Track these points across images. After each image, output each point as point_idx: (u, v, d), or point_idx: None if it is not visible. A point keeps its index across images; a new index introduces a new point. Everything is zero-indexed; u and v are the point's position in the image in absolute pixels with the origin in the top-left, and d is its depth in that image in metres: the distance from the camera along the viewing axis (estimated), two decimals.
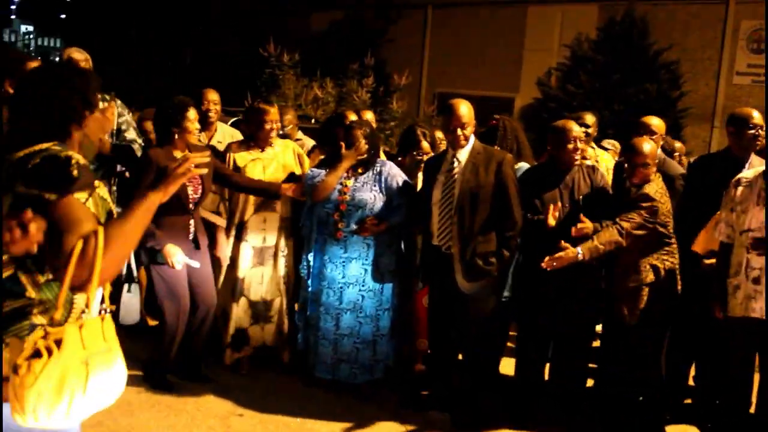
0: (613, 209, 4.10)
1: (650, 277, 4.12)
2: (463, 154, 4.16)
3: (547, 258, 3.86)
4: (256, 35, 13.87)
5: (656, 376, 4.34)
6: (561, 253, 3.87)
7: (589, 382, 4.64)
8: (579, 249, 3.88)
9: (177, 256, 4.19)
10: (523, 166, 4.60)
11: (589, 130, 4.90)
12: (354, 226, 4.38)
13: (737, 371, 4.14)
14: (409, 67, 12.96)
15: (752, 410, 4.22)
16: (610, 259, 4.17)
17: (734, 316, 4.03)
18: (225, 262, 4.71)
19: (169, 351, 4.39)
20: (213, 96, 5.20)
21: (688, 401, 4.78)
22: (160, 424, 3.93)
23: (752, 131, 4.35)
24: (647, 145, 4.14)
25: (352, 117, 5.10)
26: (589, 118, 5.02)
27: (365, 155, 4.43)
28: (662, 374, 4.39)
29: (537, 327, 4.32)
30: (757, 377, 4.16)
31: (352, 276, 4.44)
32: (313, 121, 9.01)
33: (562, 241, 3.92)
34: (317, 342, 4.51)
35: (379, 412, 4.31)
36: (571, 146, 4.20)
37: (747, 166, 4.35)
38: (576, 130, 4.26)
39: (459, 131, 4.10)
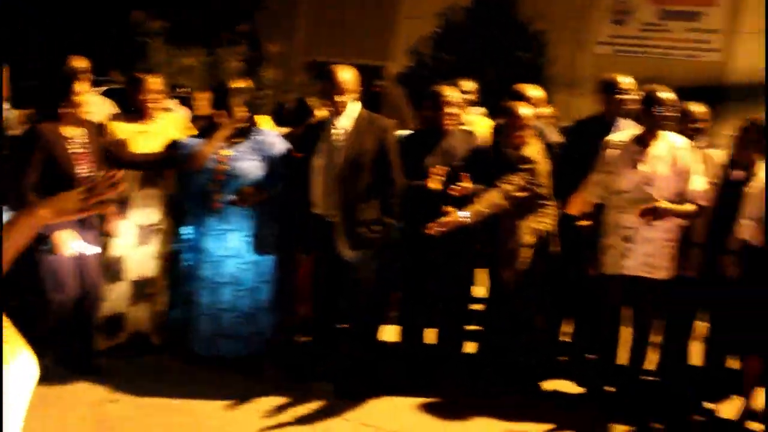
0: (493, 172, 4.16)
1: (530, 239, 4.22)
2: (346, 121, 4.08)
3: (432, 224, 3.86)
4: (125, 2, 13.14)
5: (538, 338, 4.48)
6: (446, 218, 3.89)
7: (473, 346, 4.72)
8: (464, 213, 3.91)
9: (68, 243, 3.89)
10: (404, 132, 4.58)
11: (469, 97, 4.94)
12: (232, 197, 4.22)
13: (608, 325, 4.34)
14: (283, 36, 12.69)
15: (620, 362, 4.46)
16: (491, 223, 4.24)
17: (607, 273, 4.22)
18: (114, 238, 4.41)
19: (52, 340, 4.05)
20: (81, 64, 4.83)
21: (564, 358, 4.98)
22: (29, 416, 3.65)
23: (619, 96, 4.52)
24: (523, 109, 4.21)
25: (234, 85, 4.89)
26: (468, 85, 5.06)
27: (243, 123, 4.26)
28: (544, 335, 4.54)
29: (423, 293, 4.35)
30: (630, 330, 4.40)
31: (231, 248, 4.28)
32: (186, 90, 8.64)
33: (447, 206, 3.95)
34: (196, 318, 4.34)
35: (262, 385, 4.20)
36: (446, 111, 4.22)
37: (614, 129, 4.52)
38: (451, 95, 4.29)
39: (339, 97, 4.02)
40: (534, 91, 4.81)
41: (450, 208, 3.93)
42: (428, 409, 4.11)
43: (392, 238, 4.16)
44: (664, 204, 3.93)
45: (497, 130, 4.64)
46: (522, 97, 4.61)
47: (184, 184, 4.37)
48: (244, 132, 4.30)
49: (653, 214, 3.95)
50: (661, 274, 4.13)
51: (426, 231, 3.81)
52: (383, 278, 4.30)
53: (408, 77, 12.18)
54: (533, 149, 4.21)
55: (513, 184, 4.06)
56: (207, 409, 3.91)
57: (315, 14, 16.39)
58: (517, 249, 4.21)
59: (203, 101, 5.36)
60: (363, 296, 4.19)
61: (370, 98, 4.76)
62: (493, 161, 4.25)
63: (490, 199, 4.00)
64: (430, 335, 4.55)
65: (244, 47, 11.32)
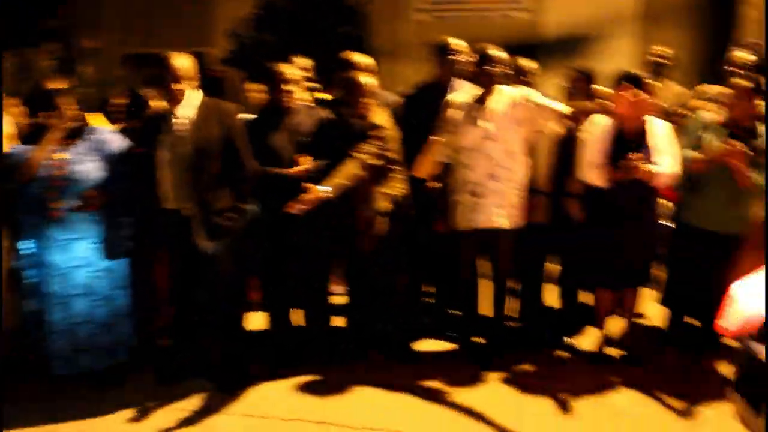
0: (343, 144, 4.19)
1: (385, 205, 4.30)
2: (188, 110, 3.93)
3: (294, 202, 3.83)
4: None
5: (402, 301, 4.59)
6: (307, 195, 3.89)
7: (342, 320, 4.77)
8: (325, 187, 3.92)
9: None
10: (246, 116, 4.49)
11: (306, 74, 4.91)
12: (74, 203, 3.97)
13: (466, 280, 4.53)
14: (94, 29, 11.96)
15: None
16: (345, 192, 4.28)
17: (459, 229, 4.39)
18: None
19: None
20: None
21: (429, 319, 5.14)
22: None
23: (452, 57, 4.68)
24: (364, 77, 4.26)
25: (54, 85, 4.56)
26: (303, 61, 5.03)
27: (74, 123, 4.00)
28: (407, 298, 4.66)
29: (285, 275, 4.33)
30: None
31: (79, 258, 4.03)
32: None
33: (307, 183, 3.93)
34: (49, 337, 4.06)
35: (134, 394, 4.04)
36: (285, 88, 4.21)
37: (450, 90, 4.68)
38: (289, 72, 4.28)
39: (176, 86, 3.87)
40: (365, 59, 4.86)
41: (310, 185, 3.93)
42: (308, 388, 4.12)
43: (249, 223, 4.10)
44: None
45: (338, 102, 4.67)
46: (355, 66, 4.64)
47: (16, 196, 4.04)
48: (78, 132, 4.05)
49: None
50: (511, 224, 4.34)
51: (289, 210, 3.78)
52: (242, 266, 4.22)
53: (231, 61, 11.90)
54: (380, 116, 4.28)
55: (367, 153, 4.11)
56: (88, 428, 3.72)
57: (124, 4, 15.57)
58: (374, 216, 4.27)
59: (13, 107, 4.93)
60: (222, 287, 4.10)
61: (210, 84, 4.63)
62: (342, 133, 4.27)
63: (348, 171, 4.03)
64: (297, 316, 4.56)
65: (56, 45, 10.53)
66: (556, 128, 4.32)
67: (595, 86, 4.91)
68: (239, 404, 3.93)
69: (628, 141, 4.19)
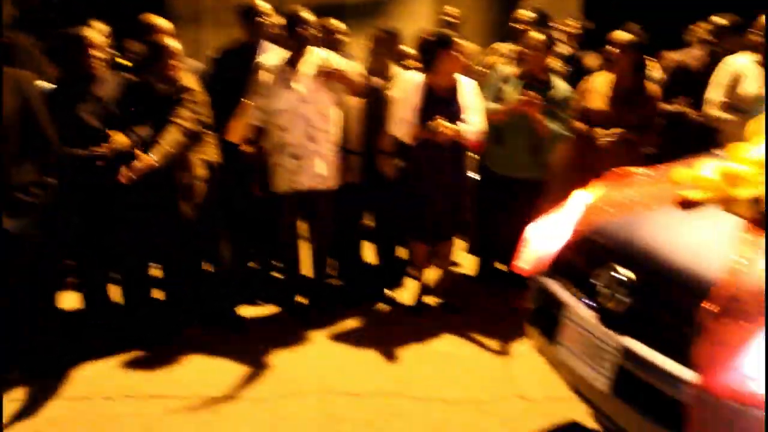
0: (155, 110, 4.02)
1: (201, 171, 4.19)
2: None
3: (122, 172, 3.62)
4: None
5: (225, 268, 4.52)
6: (136, 163, 3.69)
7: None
8: (151, 155, 3.75)
9: None
10: (44, 84, 4.15)
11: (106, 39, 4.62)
12: None
13: (288, 242, 4.54)
14: None
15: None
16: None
17: (279, 191, 4.39)
18: None
19: None
20: None
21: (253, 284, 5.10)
22: None
23: (260, 19, 4.60)
24: (170, 40, 4.10)
25: None
26: (101, 27, 4.73)
27: None
28: (229, 263, 4.59)
29: (101, 251, 4.12)
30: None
31: None
32: None
33: (135, 151, 3.77)
34: None
35: None
36: (91, 53, 3.95)
37: (260, 53, 4.61)
38: (93, 37, 4.02)
39: None
40: (163, 21, 4.64)
41: (140, 152, 3.74)
42: (134, 364, 3.97)
43: (57, 198, 3.83)
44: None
45: (140, 68, 4.45)
46: (157, 29, 4.44)
47: None
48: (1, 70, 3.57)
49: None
50: (330, 184, 4.41)
51: (119, 179, 3.56)
52: (52, 243, 3.94)
53: (18, 26, 10.91)
54: (189, 80, 4.13)
55: (186, 118, 3.96)
56: None
57: None
58: (193, 183, 4.15)
59: None
60: (29, 267, 3.80)
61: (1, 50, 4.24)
62: (152, 99, 4.08)
63: (173, 137, 3.88)
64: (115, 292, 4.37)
65: None
66: (354, 90, 4.38)
67: (401, 46, 5.05)
68: (56, 388, 3.70)
69: (439, 99, 4.36)
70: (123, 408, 3.49)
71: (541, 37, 4.55)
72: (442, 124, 4.21)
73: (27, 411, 3.49)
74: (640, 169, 3.10)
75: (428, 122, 4.25)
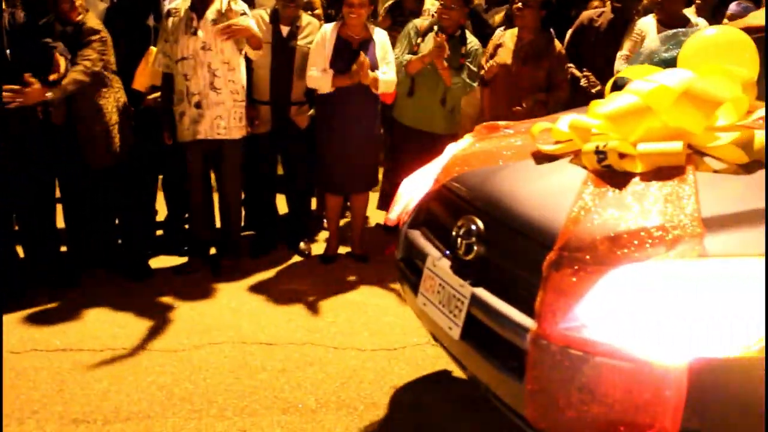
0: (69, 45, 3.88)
1: (115, 117, 4.06)
2: None
3: (8, 92, 3.45)
4: None
5: (132, 218, 4.44)
6: (27, 89, 3.53)
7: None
8: (48, 93, 3.60)
9: None
10: None
11: None
12: None
13: (194, 188, 4.50)
14: None
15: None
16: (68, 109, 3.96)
17: (184, 140, 4.32)
18: None
19: None
20: None
21: (160, 232, 5.04)
22: None
23: None
24: None
25: None
26: None
27: None
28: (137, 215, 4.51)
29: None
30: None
31: None
32: None
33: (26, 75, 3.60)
34: None
35: None
36: None
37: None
38: None
39: None
40: None
41: (34, 80, 3.57)
42: (40, 318, 3.88)
43: None
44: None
45: (40, 5, 4.23)
46: None
47: None
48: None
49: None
50: (234, 134, 4.35)
51: (6, 99, 3.40)
52: None
53: None
54: (93, 21, 3.96)
55: (91, 60, 3.81)
56: None
57: None
58: (106, 129, 4.03)
59: None
60: None
61: None
62: (57, 39, 3.90)
63: (74, 77, 3.74)
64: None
65: None
66: (253, 45, 4.31)
67: None
68: None
69: (353, 50, 4.36)
70: (31, 362, 3.42)
71: None
72: (363, 69, 4.23)
73: None
74: (507, 123, 3.13)
75: (349, 66, 4.25)
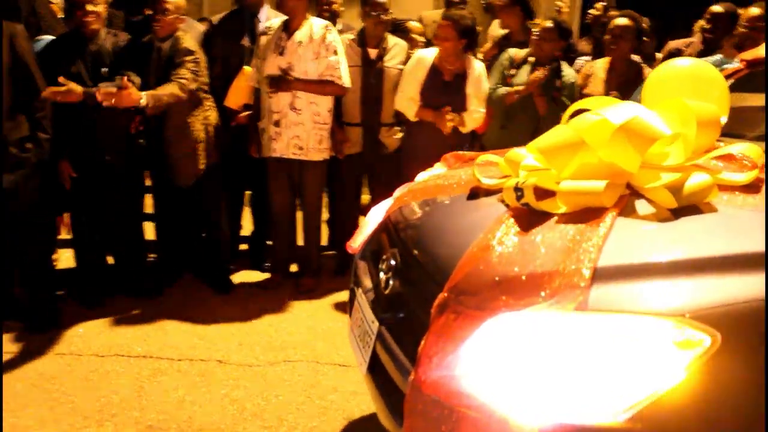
0: (155, 69, 4.01)
1: (201, 135, 4.19)
2: None
3: (103, 91, 3.59)
4: None
5: (222, 233, 4.55)
6: (124, 91, 3.67)
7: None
8: (143, 93, 3.73)
9: None
10: (46, 38, 4.12)
11: None
12: None
13: (275, 205, 4.55)
14: None
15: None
16: (157, 127, 4.11)
17: (264, 156, 4.43)
18: None
19: None
20: None
21: (244, 246, 5.14)
22: None
23: None
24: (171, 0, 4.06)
25: None
26: None
27: None
28: (224, 227, 4.61)
29: (96, 210, 4.12)
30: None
31: None
32: None
33: (124, 79, 3.74)
34: None
35: None
36: (87, 10, 3.90)
37: (264, 18, 4.59)
38: None
39: None
40: None
41: (130, 85, 3.74)
42: (124, 323, 4.02)
43: (52, 155, 3.82)
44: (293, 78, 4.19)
45: (139, 24, 4.42)
46: None
47: None
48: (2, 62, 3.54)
49: (277, 85, 4.17)
50: (313, 156, 4.39)
51: (100, 99, 3.55)
52: (47, 200, 3.95)
53: None
54: (190, 41, 4.11)
55: (186, 79, 3.94)
56: None
57: None
58: (193, 147, 4.15)
59: None
60: (22, 224, 3.81)
61: (5, 2, 4.19)
62: (152, 57, 4.06)
63: (170, 90, 3.88)
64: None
65: None
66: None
67: (411, 22, 5.05)
68: (50, 343, 3.74)
69: (446, 83, 4.34)
70: (113, 366, 3.53)
71: (551, 24, 4.51)
72: (448, 117, 4.21)
73: (21, 364, 3.52)
74: (473, 154, 2.96)
75: (435, 110, 4.25)
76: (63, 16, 4.55)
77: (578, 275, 1.65)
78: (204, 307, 4.24)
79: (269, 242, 4.95)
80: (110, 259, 4.43)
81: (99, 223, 4.20)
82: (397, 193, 2.75)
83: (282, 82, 4.19)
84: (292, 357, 3.71)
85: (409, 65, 4.44)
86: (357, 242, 2.76)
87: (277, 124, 4.30)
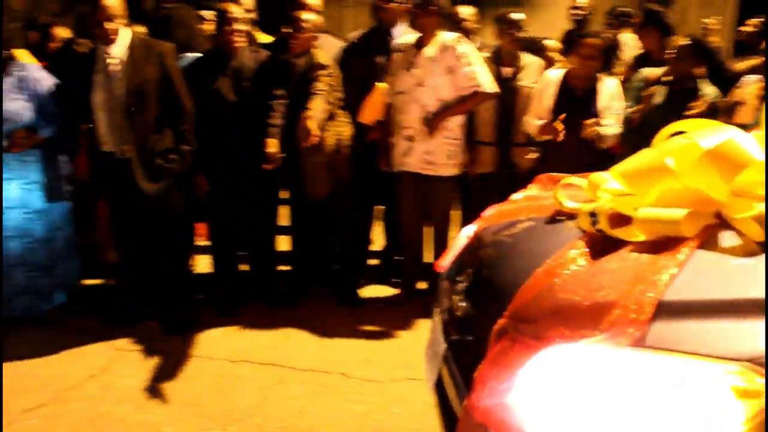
0: (292, 84, 4.10)
1: (334, 149, 4.25)
2: (118, 49, 3.77)
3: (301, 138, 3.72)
4: None
5: (352, 246, 4.59)
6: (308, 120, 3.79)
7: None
8: (312, 122, 3.85)
9: None
10: (193, 55, 4.33)
11: (251, 15, 4.75)
12: (2, 143, 3.80)
13: (406, 224, 4.53)
14: None
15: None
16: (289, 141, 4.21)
17: (395, 171, 4.42)
18: None
19: None
20: None
21: (375, 261, 5.15)
22: None
23: (393, 4, 4.58)
24: (308, 15, 4.15)
25: None
26: (247, 1, 4.87)
27: None
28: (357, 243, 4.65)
29: (231, 218, 4.27)
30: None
31: (12, 199, 3.89)
32: None
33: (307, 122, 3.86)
34: None
35: (80, 337, 3.96)
36: (232, 28, 4.06)
37: (395, 36, 4.61)
38: (234, 11, 4.12)
39: (107, 24, 3.69)
40: None
41: (311, 122, 3.85)
42: (255, 330, 4.13)
43: (193, 166, 4.01)
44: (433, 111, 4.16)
45: (278, 43, 4.55)
46: (301, 4, 4.50)
47: None
48: (2, 68, 3.85)
49: (429, 126, 4.15)
50: (444, 171, 4.33)
51: (302, 146, 3.73)
52: (188, 208, 4.14)
53: None
54: (324, 56, 4.18)
55: (323, 92, 4.02)
56: (24, 369, 3.60)
57: None
58: (324, 161, 4.22)
59: None
60: (164, 229, 4.01)
61: (160, 21, 4.47)
62: (290, 75, 4.17)
63: (321, 105, 3.97)
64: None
65: None
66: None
67: (546, 40, 4.92)
68: (185, 345, 3.91)
69: (577, 99, 4.20)
70: (241, 371, 3.62)
71: (686, 41, 4.26)
72: (588, 122, 4.05)
73: (157, 364, 3.69)
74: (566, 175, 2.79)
75: (577, 122, 4.10)
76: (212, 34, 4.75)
77: (639, 309, 1.54)
78: (331, 320, 4.28)
79: (398, 257, 4.94)
80: (244, 266, 4.56)
81: (235, 233, 4.33)
82: (487, 213, 2.68)
83: (434, 120, 4.19)
84: (416, 375, 3.63)
85: (538, 85, 4.33)
86: (446, 261, 2.70)
87: (409, 139, 4.30)
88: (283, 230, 4.75)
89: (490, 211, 2.67)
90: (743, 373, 1.38)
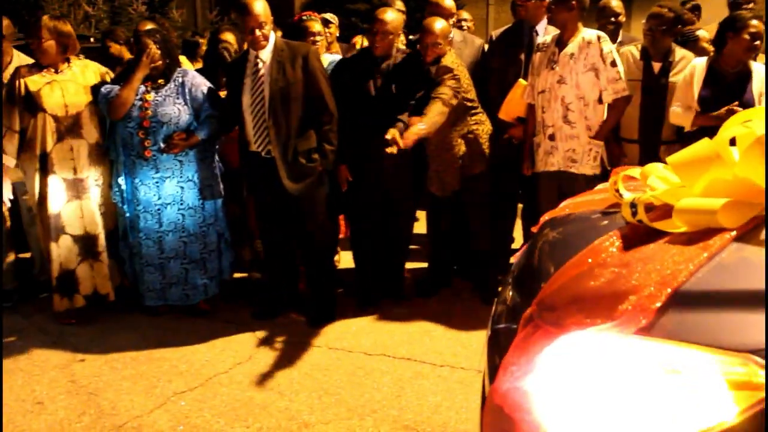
0: (420, 89, 4.14)
1: (462, 149, 4.25)
2: (265, 54, 3.96)
3: (390, 138, 3.70)
4: None
5: (491, 242, 4.57)
6: (409, 132, 3.81)
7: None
8: (420, 124, 3.87)
9: None
10: (335, 57, 4.48)
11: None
12: (161, 144, 4.09)
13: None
14: None
15: None
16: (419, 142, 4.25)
17: (537, 171, 4.34)
18: (32, 201, 4.26)
19: None
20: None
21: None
22: None
23: (533, 2, 4.52)
24: (438, 24, 4.14)
25: (143, 27, 4.69)
26: (399, 4, 5.00)
27: (159, 64, 4.09)
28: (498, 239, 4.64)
29: (370, 216, 4.37)
30: None
31: (168, 196, 4.18)
32: (92, 40, 8.15)
33: (414, 119, 3.92)
34: (142, 270, 4.26)
35: (228, 327, 4.21)
36: (381, 32, 4.10)
37: (543, 32, 4.54)
38: (383, 15, 4.15)
39: (258, 31, 3.87)
40: (448, 1, 4.72)
41: (412, 120, 3.90)
42: (393, 325, 4.20)
43: (335, 164, 4.14)
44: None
45: (413, 45, 4.60)
46: (438, 11, 4.53)
47: (110, 133, 4.20)
48: (166, 74, 4.14)
49: (597, 137, 4.12)
50: (586, 170, 4.22)
51: (388, 151, 3.70)
52: (331, 205, 4.29)
53: (312, 5, 11.84)
54: (450, 58, 4.16)
55: (446, 94, 4.02)
56: (176, 355, 3.87)
57: None
58: (453, 160, 4.24)
59: (115, 48, 5.16)
60: (312, 225, 4.17)
61: (294, 28, 4.65)
62: (415, 78, 4.21)
63: (438, 109, 3.97)
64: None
65: None
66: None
67: (700, 32, 4.68)
68: (325, 337, 4.05)
69: (727, 86, 3.98)
70: (378, 365, 3.70)
71: None
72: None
73: (299, 354, 3.84)
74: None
75: (724, 108, 3.89)
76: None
77: (652, 298, 1.50)
78: (469, 316, 4.28)
79: None
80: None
81: (374, 228, 4.42)
82: (562, 204, 2.61)
83: (600, 132, 4.14)
84: None
85: (684, 75, 4.14)
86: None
87: (551, 137, 4.23)
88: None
89: (563, 204, 2.62)
90: (743, 365, 1.34)
